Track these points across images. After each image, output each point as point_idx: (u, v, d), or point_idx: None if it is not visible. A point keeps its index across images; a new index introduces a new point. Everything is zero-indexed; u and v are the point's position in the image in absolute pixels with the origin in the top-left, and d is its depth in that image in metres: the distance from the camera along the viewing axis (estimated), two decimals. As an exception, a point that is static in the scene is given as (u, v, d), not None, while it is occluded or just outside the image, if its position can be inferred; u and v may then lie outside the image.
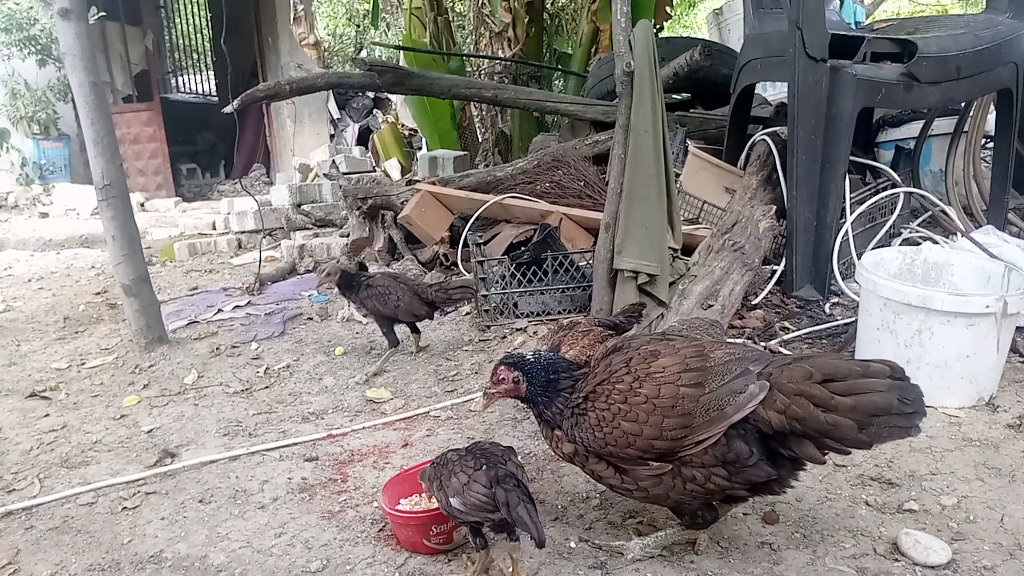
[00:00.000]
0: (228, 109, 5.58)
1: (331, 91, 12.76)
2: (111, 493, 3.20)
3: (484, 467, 2.40)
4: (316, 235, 7.54)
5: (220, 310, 5.66)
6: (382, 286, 4.39)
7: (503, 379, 2.55)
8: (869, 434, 2.16)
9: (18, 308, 6.23)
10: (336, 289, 4.60)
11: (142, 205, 10.60)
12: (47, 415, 4.03)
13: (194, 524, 2.94)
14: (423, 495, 2.87)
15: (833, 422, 2.14)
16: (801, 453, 2.24)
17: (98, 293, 6.52)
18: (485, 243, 5.53)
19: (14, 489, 3.30)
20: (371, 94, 13.39)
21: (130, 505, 3.10)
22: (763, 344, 4.08)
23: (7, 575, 2.69)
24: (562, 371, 2.53)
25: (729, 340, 3.30)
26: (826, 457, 2.26)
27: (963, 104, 5.60)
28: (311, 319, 5.36)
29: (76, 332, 5.45)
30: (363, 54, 13.68)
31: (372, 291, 4.40)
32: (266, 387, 4.20)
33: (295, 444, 3.50)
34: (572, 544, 2.64)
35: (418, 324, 4.56)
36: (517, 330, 4.71)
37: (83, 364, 4.75)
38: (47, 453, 3.61)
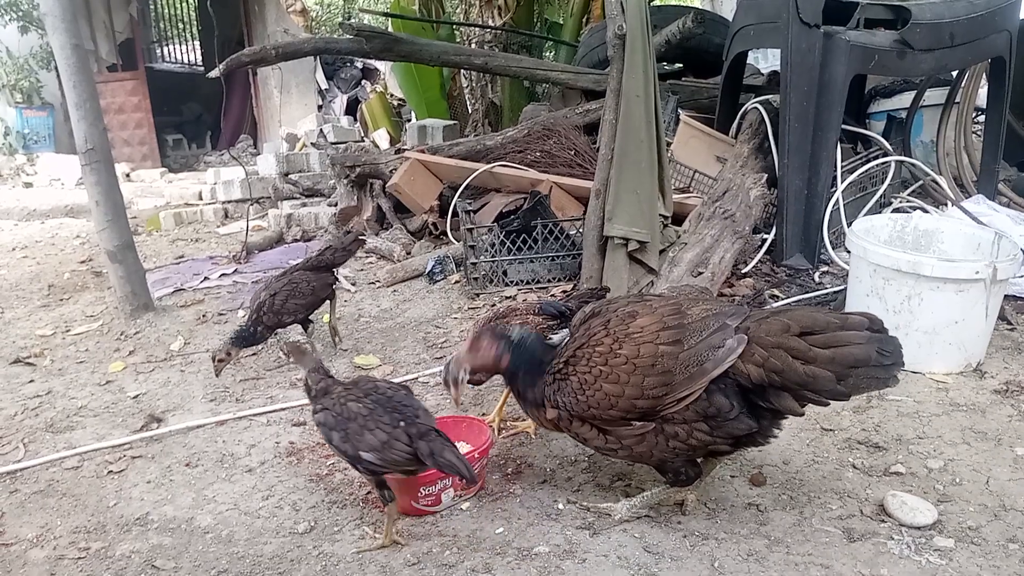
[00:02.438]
0: (214, 73, 5.50)
1: (319, 61, 12.62)
2: (96, 457, 3.19)
3: (402, 424, 2.39)
4: (304, 204, 7.47)
5: (206, 278, 5.61)
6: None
7: (484, 349, 2.52)
8: (847, 385, 2.18)
9: (2, 276, 6.16)
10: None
11: (127, 175, 10.46)
12: (32, 381, 4.00)
13: (181, 487, 2.92)
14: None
15: (812, 374, 2.15)
16: (780, 405, 2.25)
17: (83, 261, 6.44)
18: (475, 211, 5.49)
19: (-2, 453, 3.27)
20: (359, 64, 13.23)
21: (116, 469, 3.08)
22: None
23: (-8, 537, 2.67)
24: (548, 358, 2.50)
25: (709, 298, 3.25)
26: (804, 409, 2.27)
27: (955, 74, 5.58)
28: (299, 287, 5.30)
29: (61, 300, 5.39)
30: (351, 21, 13.50)
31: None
32: (253, 354, 4.17)
33: (283, 409, 3.48)
34: (560, 506, 2.64)
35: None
36: (506, 298, 4.69)
37: (68, 331, 4.70)
38: (32, 418, 3.59)
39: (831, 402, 2.28)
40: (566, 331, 3.03)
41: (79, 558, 2.54)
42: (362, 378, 2.70)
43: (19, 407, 3.70)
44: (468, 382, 2.63)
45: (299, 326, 4.09)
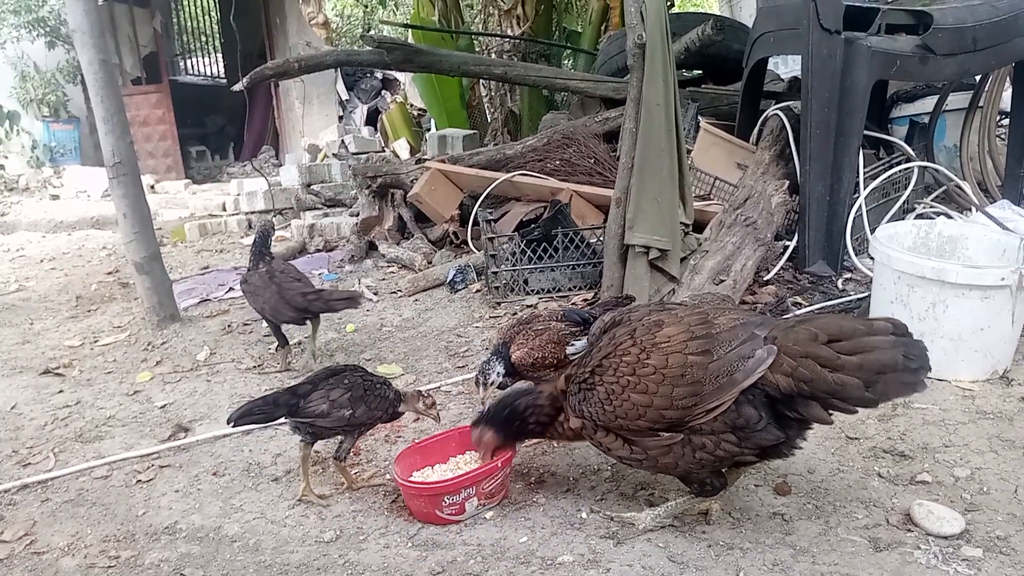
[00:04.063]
0: (237, 87, 5.58)
1: (339, 73, 12.73)
2: (125, 466, 3.23)
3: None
4: (326, 215, 7.54)
5: (231, 288, 5.68)
6: (253, 283, 4.10)
7: (488, 443, 2.67)
8: (876, 392, 2.16)
9: (31, 288, 6.27)
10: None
11: (152, 187, 10.61)
12: (61, 391, 4.07)
13: (208, 496, 2.96)
14: (435, 467, 2.89)
15: (840, 382, 2.14)
16: (808, 414, 2.24)
17: (110, 273, 6.55)
18: (495, 220, 5.52)
19: (29, 463, 3.33)
20: (379, 75, 13.33)
21: (144, 478, 3.13)
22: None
23: (24, 546, 2.72)
24: (521, 410, 2.63)
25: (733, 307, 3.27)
26: (832, 417, 2.25)
27: (978, 78, 5.53)
28: (322, 297, 5.36)
29: (88, 311, 5.48)
30: (371, 33, 13.61)
31: (246, 287, 4.14)
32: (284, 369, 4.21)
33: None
34: (584, 515, 2.65)
35: (317, 323, 4.15)
36: (527, 307, 4.70)
37: (96, 342, 4.78)
38: (61, 428, 3.65)
39: (859, 409, 2.27)
40: (583, 341, 3.07)
41: (109, 567, 2.58)
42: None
43: (49, 417, 3.76)
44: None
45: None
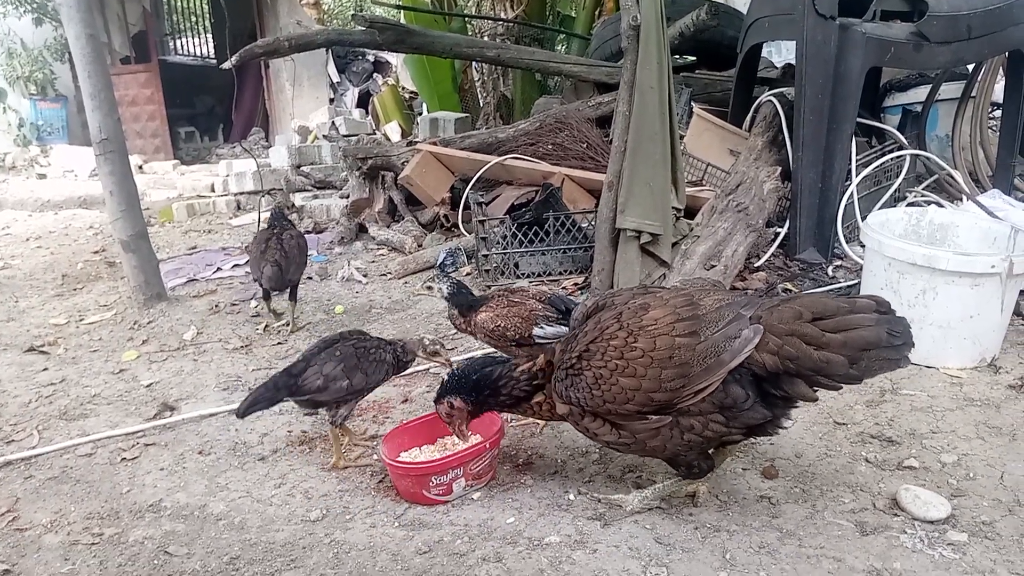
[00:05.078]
0: (226, 65, 5.51)
1: (331, 55, 12.62)
2: (110, 444, 3.20)
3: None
4: (315, 196, 7.49)
5: (219, 268, 5.63)
6: (258, 239, 4.46)
7: (455, 413, 2.59)
8: (860, 368, 2.17)
9: (16, 266, 6.20)
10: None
11: (140, 167, 10.49)
12: (45, 369, 4.02)
13: (193, 475, 2.94)
14: (423, 448, 2.88)
15: (825, 359, 2.15)
16: (793, 392, 2.24)
17: (96, 252, 6.48)
18: (487, 204, 5.49)
19: (12, 440, 3.30)
20: (371, 58, 13.23)
21: (129, 456, 3.10)
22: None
23: (6, 523, 2.69)
24: (494, 378, 2.56)
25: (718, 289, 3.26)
26: (817, 394, 2.26)
27: (971, 68, 5.53)
28: (310, 278, 5.32)
29: (74, 289, 5.43)
30: (363, 13, 13.48)
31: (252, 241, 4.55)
32: (267, 345, 4.18)
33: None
34: (571, 496, 2.64)
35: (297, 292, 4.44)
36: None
37: (81, 320, 4.73)
38: (46, 405, 3.61)
39: (843, 386, 2.27)
40: (556, 328, 3.02)
41: (93, 543, 2.55)
42: None
43: (33, 395, 3.72)
44: None
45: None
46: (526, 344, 3.11)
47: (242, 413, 2.79)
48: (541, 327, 3.09)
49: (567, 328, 3.00)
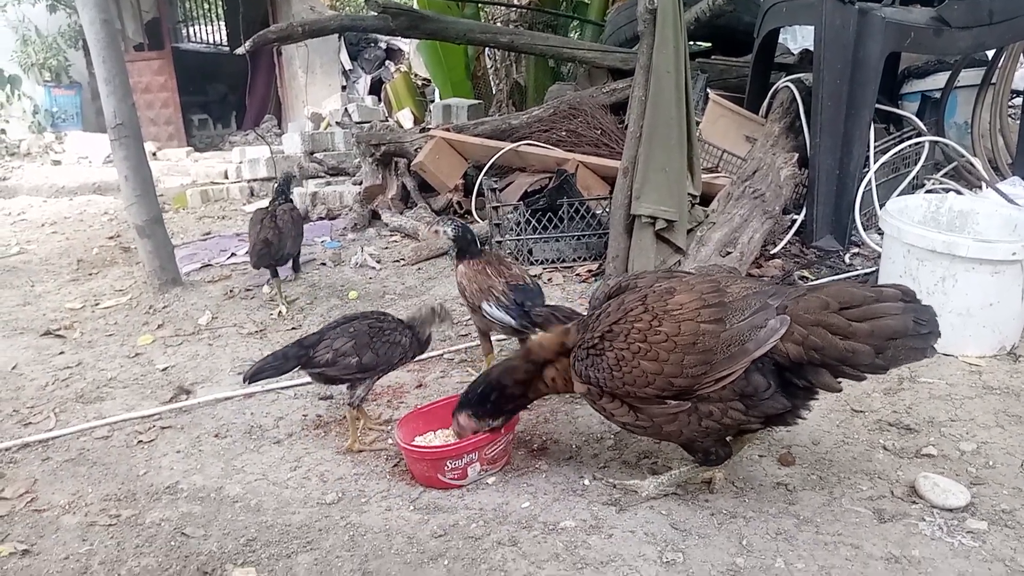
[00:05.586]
0: (240, 50, 5.51)
1: (343, 42, 12.59)
2: (126, 427, 3.22)
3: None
4: (328, 183, 7.47)
5: (233, 254, 5.65)
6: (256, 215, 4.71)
7: (474, 429, 2.63)
8: (886, 358, 2.14)
9: (32, 251, 6.24)
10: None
11: (154, 154, 10.51)
12: (62, 352, 4.05)
13: (210, 457, 2.95)
14: (437, 433, 2.88)
15: (851, 349, 2.12)
16: (817, 382, 2.22)
17: (111, 237, 6.51)
18: (500, 190, 5.47)
19: (30, 422, 3.32)
20: (383, 45, 13.20)
21: (146, 439, 3.12)
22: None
23: (25, 503, 2.71)
24: (495, 378, 2.60)
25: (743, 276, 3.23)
26: (841, 384, 2.23)
27: (991, 54, 5.45)
28: (324, 264, 5.33)
29: (90, 274, 5.45)
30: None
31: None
32: (282, 330, 4.19)
33: (310, 384, 3.48)
34: (586, 482, 2.63)
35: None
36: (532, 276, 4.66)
37: (97, 304, 4.75)
38: (62, 389, 3.63)
39: (868, 376, 2.24)
40: (501, 314, 3.17)
41: (110, 525, 2.57)
42: None
43: (50, 378, 3.75)
44: None
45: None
46: (476, 312, 3.28)
47: (249, 377, 2.85)
48: (490, 305, 3.22)
49: (513, 320, 3.17)
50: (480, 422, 2.63)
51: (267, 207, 4.75)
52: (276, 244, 4.45)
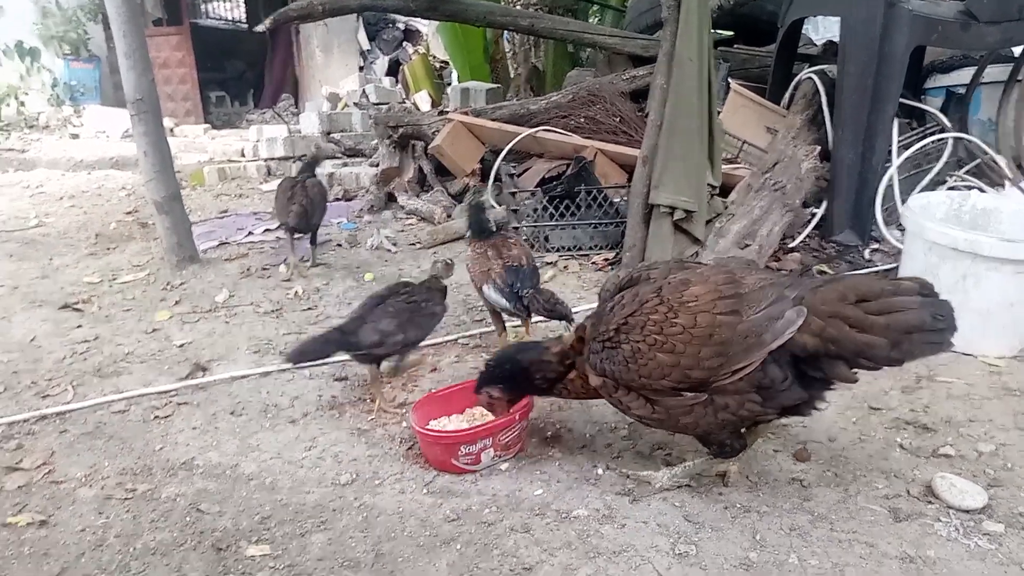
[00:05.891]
0: (260, 28, 5.50)
1: (361, 22, 12.56)
2: (143, 402, 3.24)
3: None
4: (345, 164, 7.49)
5: (250, 232, 5.66)
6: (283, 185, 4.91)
7: (495, 402, 2.65)
8: (901, 351, 2.12)
9: (50, 224, 6.28)
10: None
11: (171, 131, 10.54)
12: (79, 326, 4.07)
13: (225, 435, 2.97)
14: (451, 417, 2.89)
15: (868, 342, 2.10)
16: (833, 374, 2.20)
17: (129, 212, 6.54)
18: (518, 176, 5.45)
19: (48, 395, 3.35)
20: (401, 26, 13.16)
21: (162, 414, 3.14)
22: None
23: (42, 475, 2.74)
24: (525, 365, 2.59)
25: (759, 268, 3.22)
26: (857, 376, 2.22)
27: (1018, 50, 5.36)
28: (340, 246, 5.34)
29: (107, 248, 5.48)
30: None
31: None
32: (298, 310, 4.20)
33: (325, 364, 3.50)
34: (599, 471, 2.63)
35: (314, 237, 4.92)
36: (547, 264, 4.66)
37: (115, 279, 4.78)
38: (80, 362, 3.66)
39: (883, 367, 2.22)
40: (497, 296, 3.29)
41: (126, 499, 2.59)
42: None
43: (68, 351, 3.77)
44: None
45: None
46: (482, 294, 3.44)
47: (294, 359, 2.97)
48: (489, 288, 3.34)
49: (509, 303, 3.25)
50: (510, 396, 2.66)
51: (295, 176, 4.96)
52: (309, 211, 4.67)
